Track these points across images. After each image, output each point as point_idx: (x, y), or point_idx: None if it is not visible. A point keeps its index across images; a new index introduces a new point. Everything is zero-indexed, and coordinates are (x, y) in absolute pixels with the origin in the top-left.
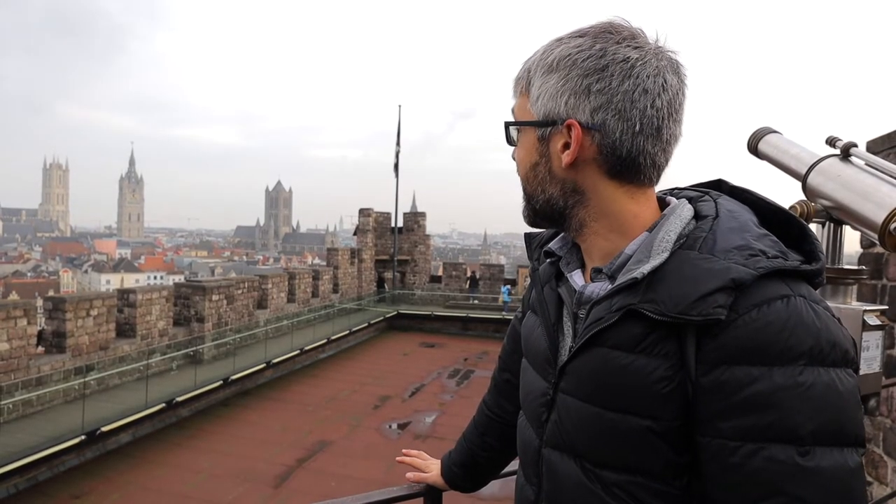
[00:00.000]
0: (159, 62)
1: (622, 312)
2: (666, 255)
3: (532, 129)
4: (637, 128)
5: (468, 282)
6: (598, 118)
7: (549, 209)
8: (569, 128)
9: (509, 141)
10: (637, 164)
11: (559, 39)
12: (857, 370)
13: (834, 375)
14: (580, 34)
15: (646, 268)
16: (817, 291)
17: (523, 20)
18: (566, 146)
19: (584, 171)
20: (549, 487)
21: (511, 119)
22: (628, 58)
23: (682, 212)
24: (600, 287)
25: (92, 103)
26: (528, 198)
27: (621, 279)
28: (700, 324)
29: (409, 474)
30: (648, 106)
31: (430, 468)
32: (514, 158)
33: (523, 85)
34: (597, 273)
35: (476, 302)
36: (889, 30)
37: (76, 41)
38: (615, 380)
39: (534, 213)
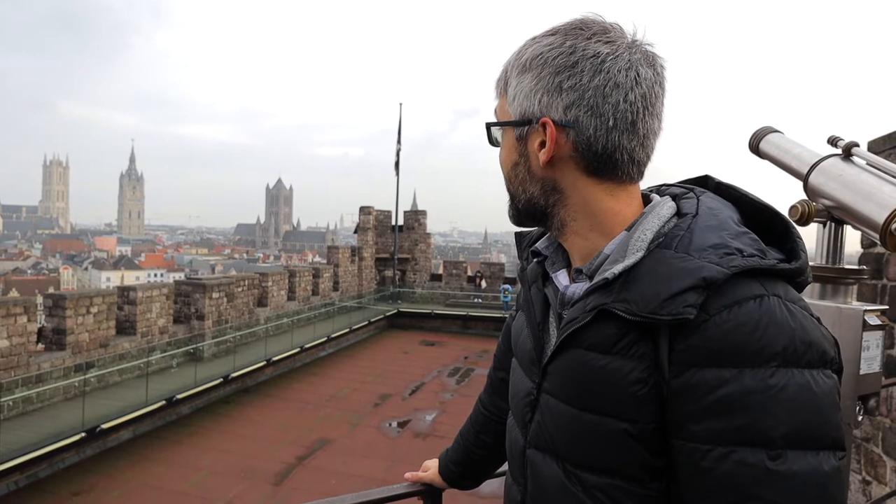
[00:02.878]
0: (161, 59)
1: (595, 312)
2: (641, 254)
3: (511, 129)
4: (611, 123)
5: (469, 280)
6: (571, 115)
7: (531, 208)
8: (543, 126)
9: (492, 142)
10: (614, 160)
11: (533, 38)
12: (839, 370)
13: (809, 377)
14: (552, 32)
15: (618, 268)
16: (817, 290)
17: (527, 18)
18: (542, 145)
19: (563, 169)
20: (533, 488)
21: (493, 120)
22: (598, 53)
23: (662, 210)
24: (580, 287)
25: (93, 100)
26: (512, 198)
27: (597, 279)
28: (670, 324)
29: (408, 474)
30: (621, 100)
31: (428, 467)
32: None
33: (501, 86)
34: (578, 273)
35: (479, 301)
36: (891, 29)
37: (78, 38)
38: (592, 381)
39: (517, 212)
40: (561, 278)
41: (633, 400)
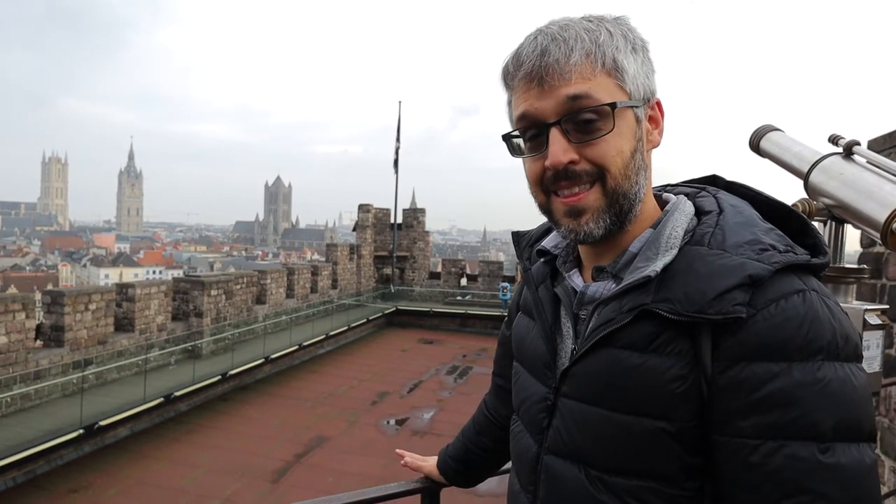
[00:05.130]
0: (160, 56)
1: (636, 313)
2: (675, 251)
3: (630, 111)
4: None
5: (469, 279)
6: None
7: (630, 207)
8: (654, 105)
9: (595, 130)
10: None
11: (616, 20)
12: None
13: (848, 370)
14: (622, 20)
15: (658, 265)
16: None
17: (526, 17)
18: (653, 123)
19: (650, 156)
20: (546, 495)
21: (575, 104)
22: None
23: (686, 207)
24: (604, 287)
25: (92, 96)
26: (621, 196)
27: (629, 278)
28: (719, 322)
29: (407, 458)
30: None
31: (427, 459)
32: (572, 156)
33: (599, 62)
34: (598, 272)
35: (468, 297)
36: (891, 29)
37: (77, 34)
38: (627, 381)
39: (617, 216)
40: (575, 279)
41: (672, 398)
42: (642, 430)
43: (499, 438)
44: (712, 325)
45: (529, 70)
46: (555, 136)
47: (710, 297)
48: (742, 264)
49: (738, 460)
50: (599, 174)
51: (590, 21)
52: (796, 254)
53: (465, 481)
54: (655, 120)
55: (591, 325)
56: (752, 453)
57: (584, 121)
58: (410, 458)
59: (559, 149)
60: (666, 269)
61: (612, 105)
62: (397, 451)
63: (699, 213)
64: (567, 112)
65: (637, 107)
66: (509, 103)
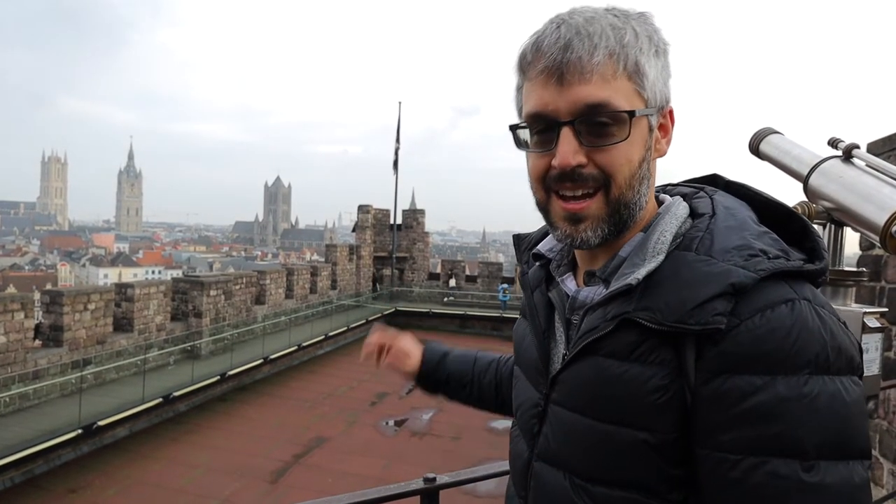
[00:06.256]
0: (160, 56)
1: (617, 321)
2: (661, 257)
3: (645, 119)
4: None
5: (468, 279)
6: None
7: (630, 216)
8: (666, 114)
9: (609, 135)
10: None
11: (641, 15)
12: (862, 376)
13: (839, 384)
14: (644, 16)
15: (640, 273)
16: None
17: (526, 17)
18: (662, 132)
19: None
20: (535, 501)
21: (596, 109)
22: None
23: (678, 210)
24: (594, 292)
25: (92, 96)
26: (622, 206)
27: (615, 284)
28: (700, 333)
29: (395, 348)
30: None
31: (412, 354)
32: (581, 158)
33: (621, 64)
34: (590, 276)
35: (451, 299)
36: (891, 30)
37: (77, 33)
38: (609, 390)
39: (616, 226)
40: (568, 283)
41: (653, 409)
42: (624, 441)
43: (485, 390)
44: (695, 334)
45: (550, 64)
46: (566, 135)
47: (689, 306)
48: (726, 272)
49: (718, 475)
50: (605, 181)
51: (616, 17)
52: (789, 259)
53: (432, 383)
54: (665, 128)
55: (578, 332)
56: (732, 469)
57: (598, 124)
58: (395, 352)
59: (569, 150)
60: (652, 275)
61: (631, 113)
62: (375, 325)
63: (694, 215)
64: (582, 114)
65: (652, 115)
66: (519, 89)
